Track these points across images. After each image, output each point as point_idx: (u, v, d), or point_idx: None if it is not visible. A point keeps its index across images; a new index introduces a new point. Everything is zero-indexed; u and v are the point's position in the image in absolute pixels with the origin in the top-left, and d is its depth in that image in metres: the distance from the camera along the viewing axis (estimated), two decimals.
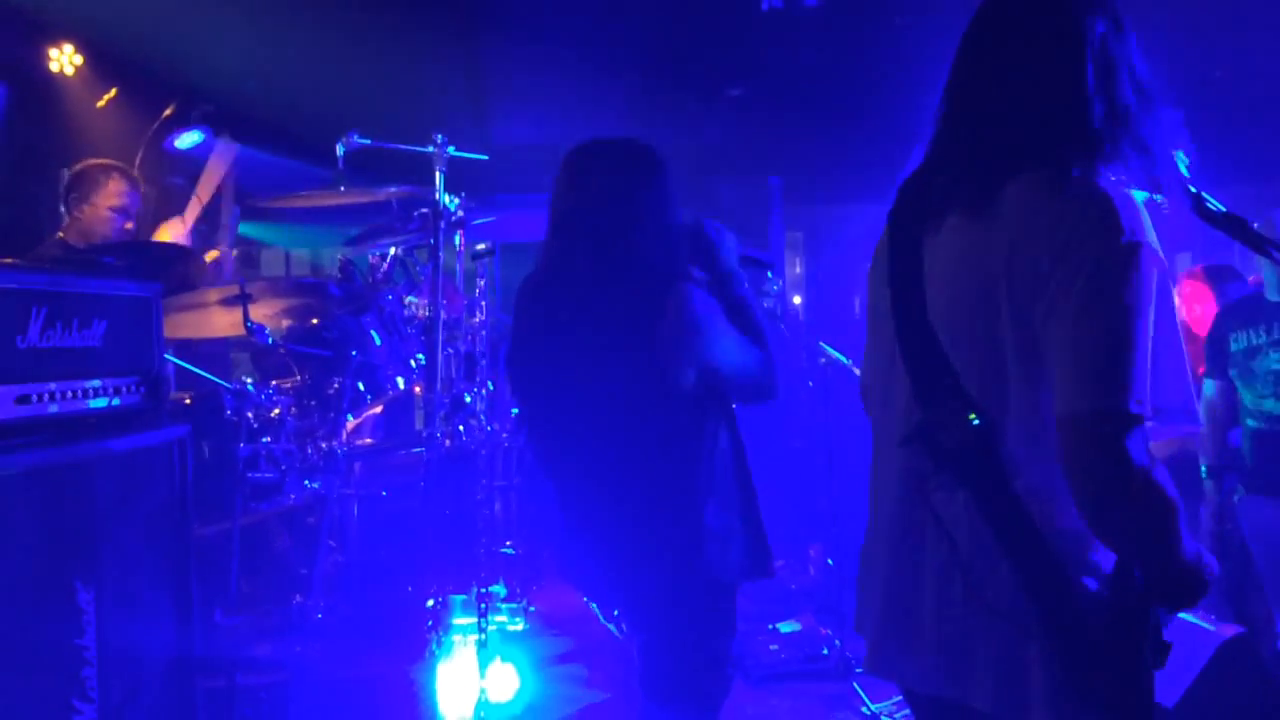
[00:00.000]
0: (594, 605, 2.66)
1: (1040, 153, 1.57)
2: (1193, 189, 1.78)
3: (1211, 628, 3.58)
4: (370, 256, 4.17)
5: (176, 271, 4.06)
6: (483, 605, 3.37)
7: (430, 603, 3.41)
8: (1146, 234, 1.49)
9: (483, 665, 3.34)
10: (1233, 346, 3.70)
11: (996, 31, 1.67)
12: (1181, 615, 3.63)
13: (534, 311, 2.55)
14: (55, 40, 5.11)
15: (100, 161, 4.12)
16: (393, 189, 3.70)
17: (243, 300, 3.48)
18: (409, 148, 3.60)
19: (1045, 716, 1.53)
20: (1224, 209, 1.79)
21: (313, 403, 3.67)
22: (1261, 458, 3.67)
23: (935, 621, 1.63)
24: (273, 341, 3.59)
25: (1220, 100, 6.12)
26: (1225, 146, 6.75)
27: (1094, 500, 1.47)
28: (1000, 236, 1.55)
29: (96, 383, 2.26)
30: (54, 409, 2.13)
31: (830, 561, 5.26)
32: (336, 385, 3.56)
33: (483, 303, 3.80)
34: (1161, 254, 1.50)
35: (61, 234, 4.06)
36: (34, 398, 2.07)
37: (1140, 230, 1.49)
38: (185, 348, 3.82)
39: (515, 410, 4.00)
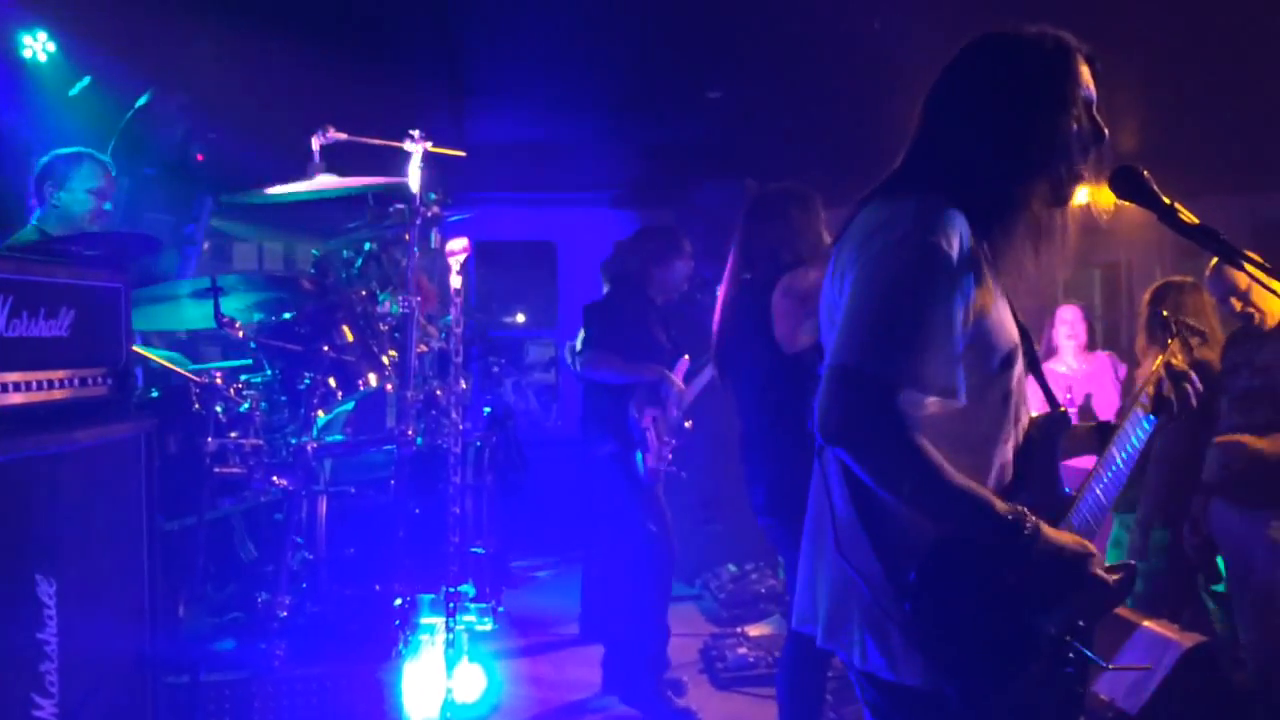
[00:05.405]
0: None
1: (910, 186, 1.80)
2: (1167, 201, 1.81)
3: (1175, 636, 3.62)
4: (344, 252, 4.15)
5: (147, 262, 4.02)
6: (451, 605, 3.35)
7: (398, 602, 3.38)
8: (938, 234, 1.67)
9: (450, 665, 3.32)
10: (1226, 364, 3.80)
11: (944, 81, 1.88)
12: (1146, 623, 3.68)
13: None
14: (28, 27, 5.04)
15: (70, 150, 4.11)
16: (369, 178, 3.67)
17: (214, 293, 3.45)
18: (386, 143, 3.58)
19: (909, 676, 1.70)
20: (1196, 221, 1.81)
21: (283, 398, 3.64)
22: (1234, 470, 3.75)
23: (823, 581, 1.84)
24: (243, 335, 3.56)
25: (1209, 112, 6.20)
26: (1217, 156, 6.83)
27: (841, 442, 1.67)
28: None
29: (63, 374, 2.23)
30: (18, 399, 2.10)
31: None
32: (307, 381, 3.53)
33: (457, 301, 3.77)
34: (954, 256, 1.67)
35: (38, 224, 4.03)
36: None
37: (932, 230, 1.67)
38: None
39: (487, 410, 3.99)
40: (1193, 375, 2.06)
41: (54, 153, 4.09)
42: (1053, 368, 5.19)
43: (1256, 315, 3.71)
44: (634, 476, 4.61)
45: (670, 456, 4.68)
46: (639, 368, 4.61)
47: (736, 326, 3.57)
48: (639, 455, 4.59)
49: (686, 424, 4.82)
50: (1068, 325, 5.29)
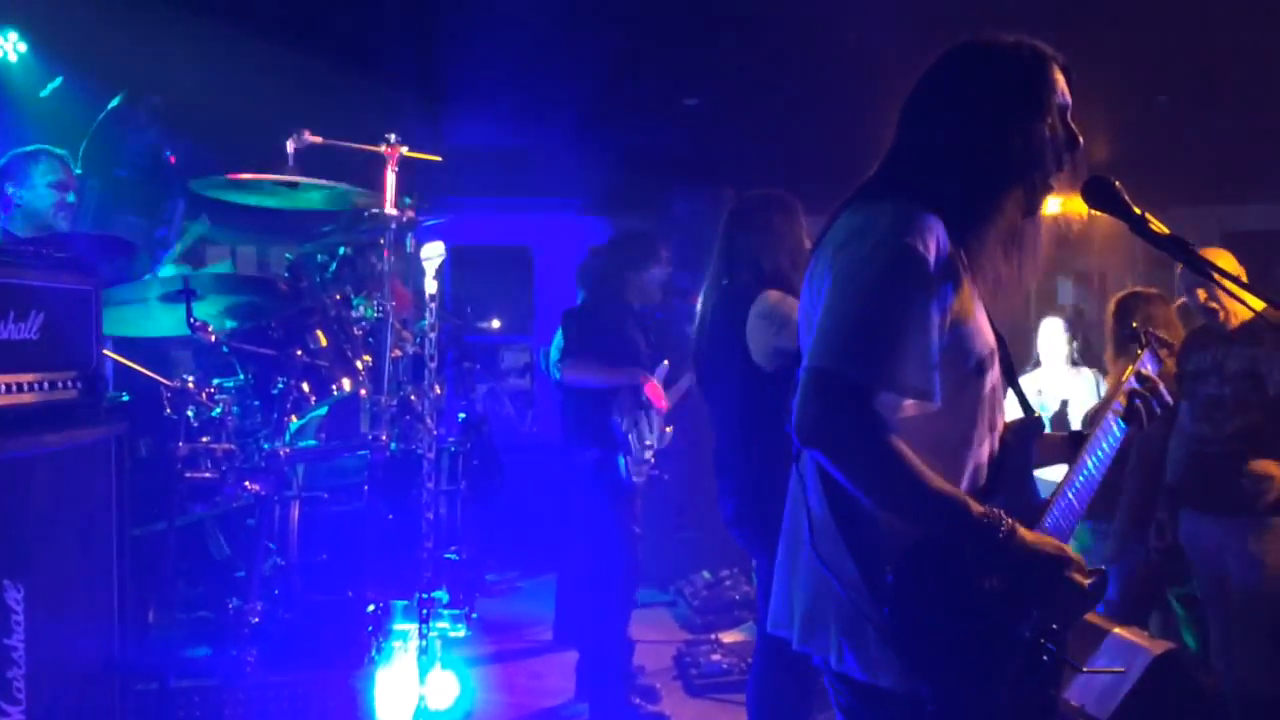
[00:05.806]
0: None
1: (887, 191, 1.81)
2: (1138, 211, 1.83)
3: (1144, 643, 3.65)
4: (319, 256, 4.12)
5: (120, 265, 3.99)
6: (424, 611, 3.33)
7: (371, 608, 3.36)
8: (915, 238, 1.68)
9: (423, 672, 3.30)
10: (1188, 367, 3.82)
11: (922, 87, 1.89)
12: (1116, 629, 3.71)
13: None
14: None
15: (26, 148, 4.08)
16: (344, 184, 3.66)
17: (186, 296, 3.42)
18: (361, 147, 3.57)
19: (885, 679, 1.71)
20: (1167, 231, 1.84)
21: (256, 403, 3.62)
22: (1198, 475, 3.78)
23: (799, 584, 1.84)
24: (216, 339, 3.53)
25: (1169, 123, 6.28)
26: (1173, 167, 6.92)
27: (818, 444, 1.67)
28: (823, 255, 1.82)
29: (32, 377, 2.21)
30: None
31: None
32: (280, 385, 3.51)
33: (432, 305, 3.76)
34: (931, 260, 1.68)
35: (4, 225, 3.99)
36: None
37: (910, 234, 1.68)
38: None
39: (462, 415, 3.98)
40: (1161, 386, 2.09)
41: (10, 153, 4.06)
42: (1036, 379, 5.19)
43: (1221, 313, 3.71)
44: (617, 481, 4.60)
45: (652, 459, 4.69)
46: (620, 371, 4.61)
47: (715, 336, 3.56)
48: (621, 459, 4.59)
49: (667, 430, 4.82)
50: (1054, 338, 5.28)
